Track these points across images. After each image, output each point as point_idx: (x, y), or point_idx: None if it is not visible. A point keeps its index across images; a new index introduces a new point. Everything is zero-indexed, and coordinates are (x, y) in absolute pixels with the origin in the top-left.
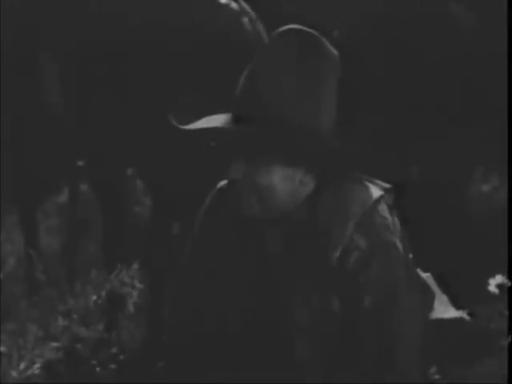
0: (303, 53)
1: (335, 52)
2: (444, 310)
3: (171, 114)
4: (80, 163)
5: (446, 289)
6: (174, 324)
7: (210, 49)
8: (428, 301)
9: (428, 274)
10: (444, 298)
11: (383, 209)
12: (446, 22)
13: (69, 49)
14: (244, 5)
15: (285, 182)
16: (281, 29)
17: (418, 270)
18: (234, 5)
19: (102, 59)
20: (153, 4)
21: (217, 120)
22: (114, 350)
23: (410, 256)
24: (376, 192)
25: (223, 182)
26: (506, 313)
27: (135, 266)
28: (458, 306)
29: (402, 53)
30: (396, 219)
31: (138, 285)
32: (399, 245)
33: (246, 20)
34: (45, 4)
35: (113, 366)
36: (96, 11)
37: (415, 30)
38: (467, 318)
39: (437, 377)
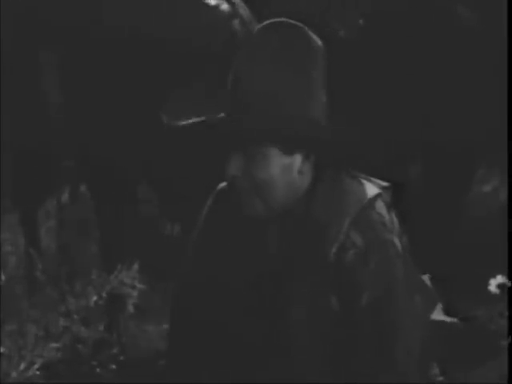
0: (288, 43)
1: (319, 41)
2: (437, 312)
3: (163, 112)
4: (80, 163)
5: (446, 289)
6: (176, 324)
7: (197, 51)
8: (428, 301)
9: (426, 276)
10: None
11: (380, 206)
12: (452, 23)
13: (69, 49)
14: (237, 6)
15: (283, 174)
16: (264, 23)
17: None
18: (224, 6)
19: (100, 60)
20: (140, 7)
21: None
22: (114, 351)
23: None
24: (373, 189)
25: (223, 184)
26: (507, 313)
27: (135, 266)
28: (458, 306)
29: (405, 52)
30: (394, 217)
31: (139, 285)
32: (397, 243)
33: (236, 22)
34: (45, 4)
35: (113, 367)
36: (91, 13)
37: (421, 30)
38: (459, 322)
39: (440, 378)
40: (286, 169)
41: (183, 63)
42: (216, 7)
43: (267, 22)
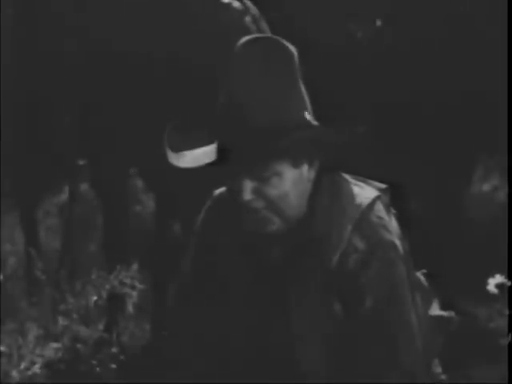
0: (269, 55)
1: (293, 49)
2: (434, 308)
3: (166, 140)
4: (81, 162)
5: (445, 288)
6: (175, 328)
7: (211, 48)
8: (426, 298)
9: (419, 273)
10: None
11: (379, 209)
12: (462, 26)
13: (72, 48)
14: (248, 4)
15: (296, 186)
16: (241, 41)
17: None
18: (236, 4)
19: (103, 59)
20: (153, 3)
21: (205, 155)
22: (114, 350)
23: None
24: (372, 192)
25: (220, 190)
26: (506, 312)
27: (135, 266)
28: (458, 305)
29: (416, 56)
30: (394, 219)
31: (138, 285)
32: (398, 244)
33: (248, 19)
34: (51, 8)
35: (113, 366)
36: (100, 13)
37: (434, 32)
38: (457, 316)
39: (443, 377)
40: (297, 181)
41: (196, 61)
42: (229, 4)
43: (243, 40)
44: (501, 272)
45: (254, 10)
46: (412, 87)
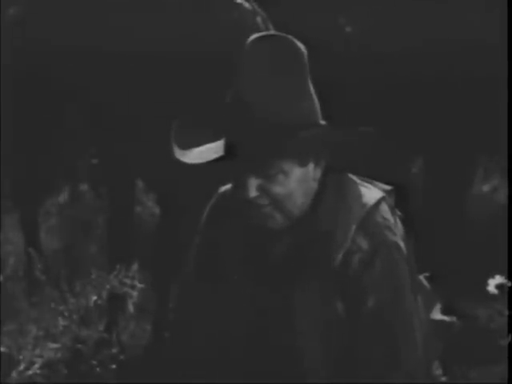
0: (279, 53)
1: (303, 47)
2: (436, 312)
3: (173, 136)
4: (81, 163)
5: (446, 289)
6: (178, 327)
7: (223, 45)
8: (428, 301)
9: (422, 276)
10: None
11: (385, 210)
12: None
13: (74, 47)
14: (255, 5)
15: (301, 185)
16: (251, 38)
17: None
18: (246, 4)
19: (106, 58)
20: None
21: (212, 151)
22: (114, 350)
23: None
24: (377, 193)
25: (225, 187)
26: (506, 313)
27: (135, 266)
28: (458, 305)
29: (409, 51)
30: (398, 220)
31: (138, 285)
32: (401, 245)
33: (259, 19)
34: (56, 12)
35: (113, 366)
36: (119, 8)
37: (425, 28)
38: (458, 321)
39: (443, 379)
40: (302, 179)
41: (210, 60)
42: (241, 4)
43: (253, 37)
44: (501, 273)
45: (260, 11)
46: (412, 88)
